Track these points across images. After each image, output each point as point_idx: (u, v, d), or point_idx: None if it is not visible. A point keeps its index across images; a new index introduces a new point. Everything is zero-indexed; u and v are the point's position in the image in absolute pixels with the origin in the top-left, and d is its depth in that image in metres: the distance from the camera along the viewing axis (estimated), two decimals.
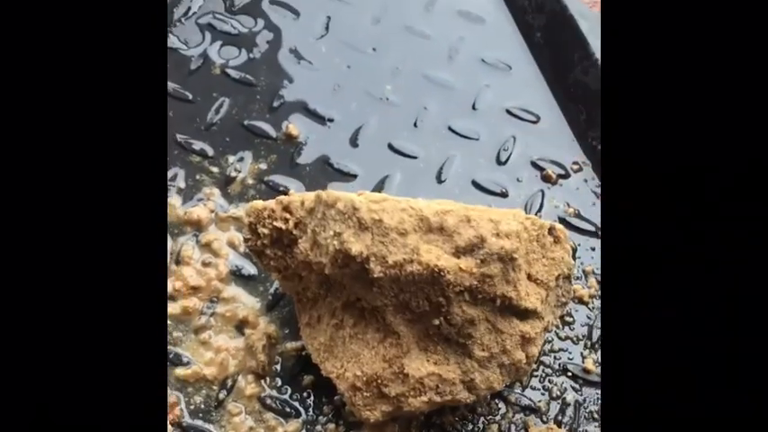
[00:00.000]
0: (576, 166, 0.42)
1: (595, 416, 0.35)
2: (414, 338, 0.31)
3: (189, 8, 0.47)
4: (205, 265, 0.37)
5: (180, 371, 0.34)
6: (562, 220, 0.40)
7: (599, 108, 0.42)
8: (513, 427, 0.34)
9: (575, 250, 0.39)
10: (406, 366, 0.31)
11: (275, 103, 0.43)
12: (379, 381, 0.31)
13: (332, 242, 0.29)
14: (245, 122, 0.42)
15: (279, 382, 0.35)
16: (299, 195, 0.32)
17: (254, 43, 0.45)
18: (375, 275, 0.29)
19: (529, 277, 0.32)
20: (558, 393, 0.35)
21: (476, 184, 0.41)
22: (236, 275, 0.37)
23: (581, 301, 0.38)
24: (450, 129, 0.43)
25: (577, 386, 0.36)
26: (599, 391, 0.35)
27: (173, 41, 0.45)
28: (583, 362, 0.36)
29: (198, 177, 0.40)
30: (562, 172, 0.42)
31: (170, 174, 0.40)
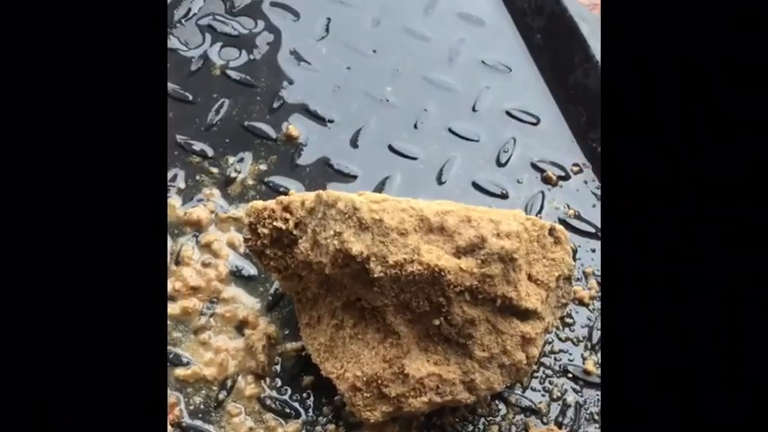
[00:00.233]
0: (576, 168, 0.42)
1: (596, 417, 0.35)
2: (414, 339, 0.31)
3: (189, 9, 0.47)
4: (205, 265, 0.37)
5: (180, 371, 0.34)
6: (562, 222, 0.40)
7: (599, 110, 0.42)
8: (513, 429, 0.34)
9: (575, 252, 0.39)
10: (407, 367, 0.31)
11: (275, 104, 0.43)
12: (380, 381, 0.31)
13: (332, 242, 0.29)
14: (246, 123, 0.42)
15: (279, 382, 0.35)
16: (299, 195, 0.32)
17: (254, 44, 0.45)
18: (375, 275, 0.29)
19: (529, 278, 0.32)
20: (559, 395, 0.35)
21: (476, 186, 0.41)
22: (236, 276, 0.37)
23: (581, 302, 0.38)
24: (450, 130, 0.43)
25: (578, 387, 0.36)
26: (600, 393, 0.35)
27: (173, 43, 0.45)
28: (583, 363, 0.36)
29: (198, 178, 0.40)
30: (562, 173, 0.42)
31: (170, 174, 0.40)
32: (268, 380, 0.35)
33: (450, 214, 0.30)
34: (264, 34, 0.46)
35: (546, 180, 0.42)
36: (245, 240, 0.33)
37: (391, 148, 0.42)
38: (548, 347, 0.36)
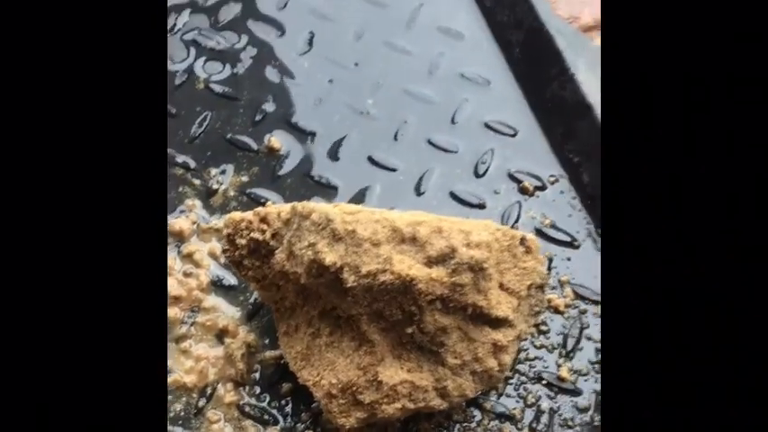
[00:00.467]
0: (552, 179, 0.43)
1: (569, 423, 0.36)
2: (388, 346, 0.32)
3: (175, 24, 0.48)
4: (186, 275, 0.38)
5: None
6: (539, 232, 0.41)
7: (576, 121, 0.43)
8: None
9: (551, 260, 0.40)
10: (380, 374, 0.31)
11: (258, 117, 0.44)
12: (354, 388, 0.31)
13: (307, 252, 0.30)
14: (228, 136, 0.43)
15: (258, 389, 0.35)
16: (275, 207, 0.33)
17: (237, 59, 0.46)
18: (349, 285, 0.30)
19: (500, 286, 0.32)
20: (533, 401, 0.36)
21: (454, 196, 0.42)
22: (217, 285, 0.38)
23: (557, 310, 0.38)
24: (429, 142, 0.44)
25: (552, 394, 0.36)
26: (573, 399, 0.36)
27: None
28: (558, 370, 0.37)
29: (180, 189, 0.41)
30: (539, 184, 0.43)
31: None
32: (247, 387, 0.35)
33: (422, 225, 0.31)
34: (248, 49, 0.47)
35: (523, 190, 0.42)
36: (224, 251, 0.34)
37: (371, 160, 0.43)
38: (523, 354, 0.37)
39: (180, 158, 0.42)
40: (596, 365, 0.37)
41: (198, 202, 0.41)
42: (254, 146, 0.43)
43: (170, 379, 0.35)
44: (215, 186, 0.41)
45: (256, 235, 0.33)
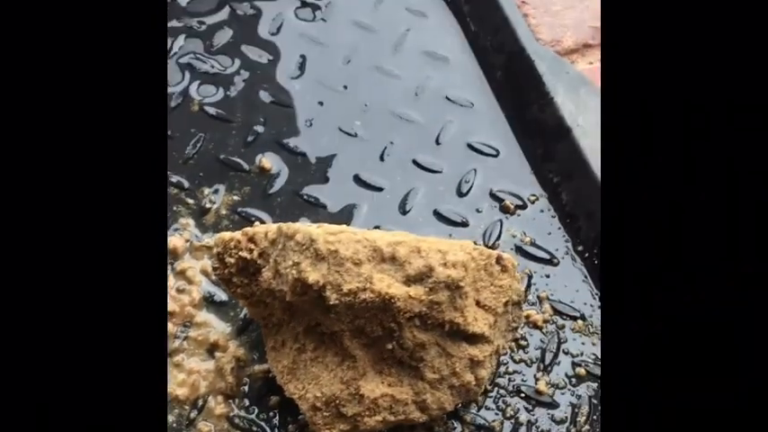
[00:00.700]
0: (533, 198, 0.45)
1: None
2: (369, 362, 0.33)
3: (170, 48, 0.49)
4: (179, 291, 0.40)
5: None
6: (519, 249, 0.43)
7: (555, 143, 0.45)
8: None
9: (530, 277, 0.42)
10: (362, 388, 0.33)
11: (250, 138, 0.46)
12: (337, 401, 0.33)
13: (291, 271, 0.32)
14: (221, 156, 0.45)
15: (247, 402, 0.37)
16: (263, 227, 0.35)
17: (231, 82, 0.48)
18: (331, 303, 0.31)
19: (477, 304, 0.34)
20: (512, 413, 0.37)
21: (438, 215, 0.44)
22: (209, 301, 0.40)
23: (535, 325, 0.40)
24: (414, 162, 0.46)
25: (530, 407, 0.38)
26: (550, 412, 0.38)
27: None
28: (536, 383, 0.38)
29: (175, 208, 0.43)
30: (520, 203, 0.44)
31: None
32: (237, 400, 0.37)
33: (402, 245, 0.32)
34: (241, 72, 0.49)
35: (504, 209, 0.44)
36: (214, 269, 0.35)
37: (359, 179, 0.45)
38: (502, 368, 0.39)
39: (174, 178, 0.44)
40: (573, 379, 0.39)
41: (191, 221, 0.42)
42: (246, 166, 0.45)
43: None
44: (207, 205, 0.43)
45: (245, 254, 0.34)
